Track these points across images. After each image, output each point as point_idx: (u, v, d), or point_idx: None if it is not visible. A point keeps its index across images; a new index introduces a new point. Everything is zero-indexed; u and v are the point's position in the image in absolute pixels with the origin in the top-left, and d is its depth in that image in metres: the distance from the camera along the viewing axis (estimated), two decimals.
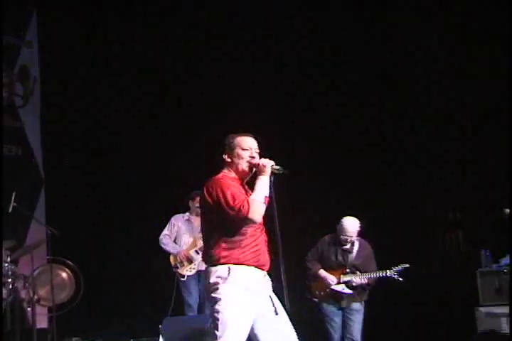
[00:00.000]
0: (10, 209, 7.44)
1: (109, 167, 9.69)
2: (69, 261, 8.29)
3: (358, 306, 7.24)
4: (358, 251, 7.28)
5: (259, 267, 4.60)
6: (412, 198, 8.87)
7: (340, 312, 7.26)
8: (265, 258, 4.65)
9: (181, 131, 9.45)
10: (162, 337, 6.92)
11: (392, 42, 9.03)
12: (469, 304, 7.71)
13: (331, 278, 7.22)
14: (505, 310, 7.06)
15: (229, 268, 4.50)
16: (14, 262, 7.72)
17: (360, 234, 7.31)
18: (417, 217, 8.86)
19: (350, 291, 7.19)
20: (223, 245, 4.54)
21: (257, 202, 4.50)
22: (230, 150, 4.71)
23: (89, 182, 9.67)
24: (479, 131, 8.73)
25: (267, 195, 4.56)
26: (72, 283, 8.35)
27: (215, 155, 4.81)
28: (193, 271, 8.04)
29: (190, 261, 8.06)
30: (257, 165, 4.63)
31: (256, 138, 4.75)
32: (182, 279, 8.08)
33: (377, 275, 7.14)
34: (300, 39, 9.41)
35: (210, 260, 4.59)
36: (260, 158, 4.68)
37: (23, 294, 7.80)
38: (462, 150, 8.84)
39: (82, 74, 9.59)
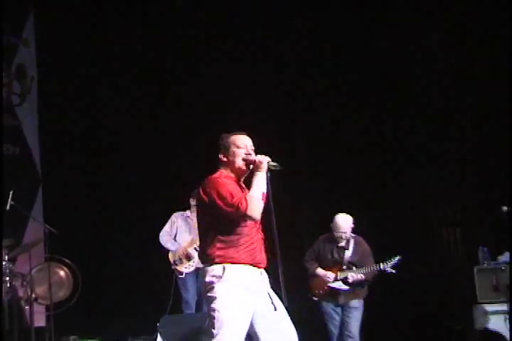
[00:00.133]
0: (7, 208, 7.43)
1: (109, 167, 9.68)
2: (67, 260, 8.28)
3: (356, 303, 7.25)
4: (354, 248, 7.31)
5: (256, 265, 4.59)
6: (412, 198, 8.88)
7: (339, 309, 7.28)
8: (261, 256, 4.64)
9: (181, 131, 9.44)
10: (160, 335, 6.93)
11: (392, 42, 9.05)
12: (469, 303, 7.71)
13: (328, 276, 7.26)
14: (503, 307, 7.06)
15: (224, 268, 4.50)
16: (12, 260, 7.70)
17: (355, 232, 7.34)
18: (417, 217, 8.86)
19: (346, 287, 7.21)
20: (218, 244, 4.54)
21: (255, 199, 4.49)
22: (225, 149, 4.71)
23: (89, 182, 9.66)
24: (479, 131, 8.74)
25: (264, 192, 4.54)
26: (70, 282, 8.33)
27: (215, 155, 4.81)
28: (192, 269, 8.05)
29: (188, 258, 8.08)
30: (254, 162, 4.62)
31: (250, 136, 4.74)
32: (180, 276, 8.10)
33: (371, 268, 7.17)
34: (300, 39, 9.42)
35: (206, 259, 4.60)
36: (256, 154, 4.67)
37: (20, 292, 7.77)
38: (462, 150, 8.85)
39: (82, 74, 9.57)
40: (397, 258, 7.13)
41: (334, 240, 7.31)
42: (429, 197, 8.93)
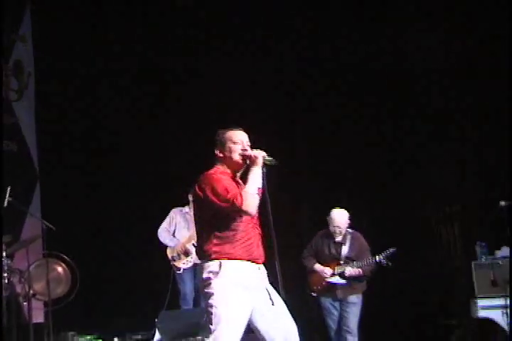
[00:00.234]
0: (5, 204, 7.42)
1: (109, 167, 9.68)
2: (65, 256, 8.27)
3: (354, 299, 7.26)
4: (351, 243, 7.33)
5: (253, 260, 4.59)
6: (412, 198, 8.86)
7: (337, 304, 7.30)
8: (259, 251, 4.64)
9: (181, 131, 9.44)
10: (158, 330, 6.94)
11: (392, 42, 9.03)
12: (467, 298, 7.70)
13: (326, 271, 7.28)
14: (501, 301, 7.07)
15: (220, 263, 4.50)
16: (10, 257, 7.68)
17: (354, 228, 7.33)
18: (416, 216, 8.85)
19: (344, 281, 7.22)
20: (215, 240, 4.54)
21: (250, 194, 4.50)
22: (222, 145, 4.72)
23: (89, 182, 9.66)
24: (479, 131, 8.72)
25: (260, 187, 4.55)
26: (68, 278, 8.32)
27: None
28: (190, 264, 8.09)
29: (186, 254, 8.11)
30: (250, 157, 4.63)
31: (247, 132, 4.74)
32: (178, 272, 8.14)
33: (367, 262, 7.19)
34: (300, 39, 9.42)
35: (203, 255, 4.60)
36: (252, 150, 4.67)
37: (18, 288, 7.75)
38: (462, 150, 8.83)
39: (82, 74, 9.58)
40: (391, 250, 7.15)
41: (331, 235, 7.35)
42: (429, 197, 8.91)
